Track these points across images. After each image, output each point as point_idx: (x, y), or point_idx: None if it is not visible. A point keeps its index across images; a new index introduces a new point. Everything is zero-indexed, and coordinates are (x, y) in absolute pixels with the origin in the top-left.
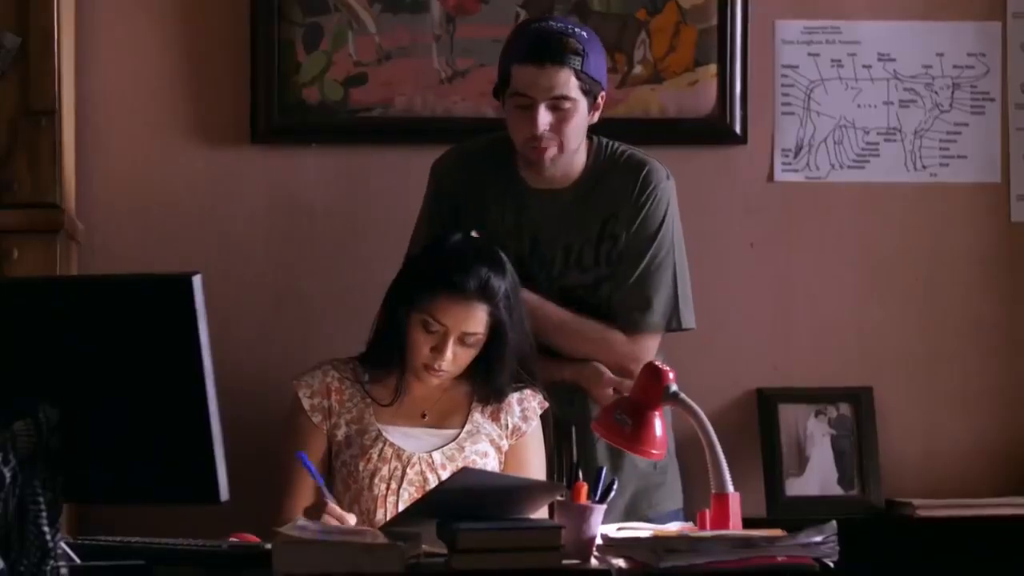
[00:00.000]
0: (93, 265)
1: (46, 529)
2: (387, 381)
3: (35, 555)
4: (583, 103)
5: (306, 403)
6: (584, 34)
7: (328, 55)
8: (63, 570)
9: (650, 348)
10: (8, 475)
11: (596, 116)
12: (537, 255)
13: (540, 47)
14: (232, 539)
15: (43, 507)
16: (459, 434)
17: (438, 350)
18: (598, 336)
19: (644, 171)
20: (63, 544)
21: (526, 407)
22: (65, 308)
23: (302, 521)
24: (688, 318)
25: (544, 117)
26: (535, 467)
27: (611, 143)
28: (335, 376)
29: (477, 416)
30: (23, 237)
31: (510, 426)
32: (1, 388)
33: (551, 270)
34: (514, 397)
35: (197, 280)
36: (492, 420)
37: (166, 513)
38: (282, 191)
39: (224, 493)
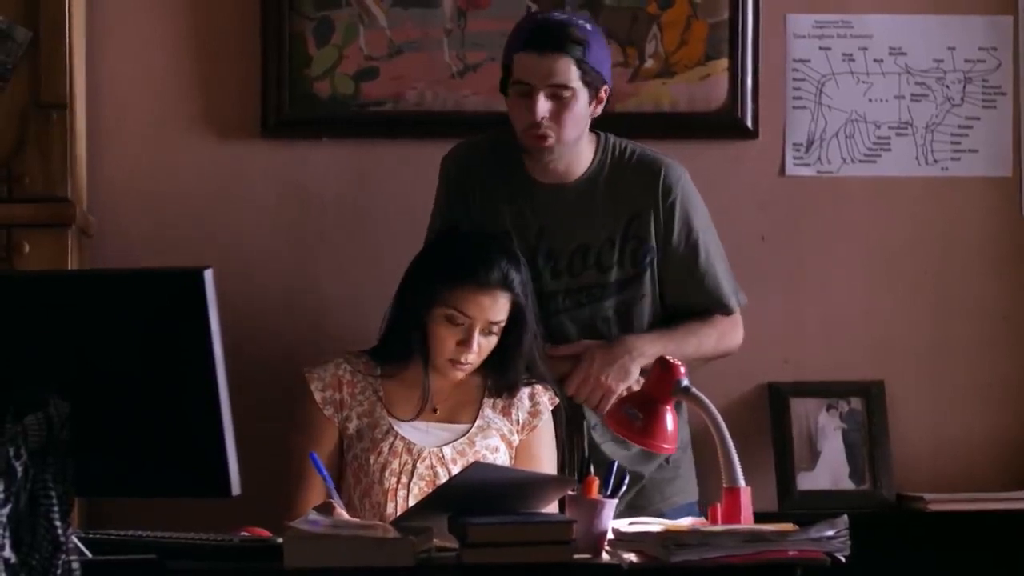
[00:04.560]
0: (104, 259)
1: (57, 523)
2: (400, 376)
3: (46, 549)
4: (584, 94)
5: (318, 396)
6: (588, 26)
7: (339, 49)
8: (74, 564)
9: (741, 325)
10: (19, 469)
11: (599, 110)
12: (543, 249)
13: (541, 34)
14: (243, 533)
15: (54, 501)
16: (470, 429)
17: (465, 343)
18: (715, 332)
19: (663, 172)
20: (74, 538)
21: (537, 402)
22: (76, 302)
23: (313, 515)
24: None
25: (543, 104)
26: (546, 462)
27: (618, 141)
28: (347, 369)
29: (488, 411)
30: (34, 231)
31: (521, 421)
32: (12, 382)
33: (557, 263)
34: (525, 392)
35: (208, 274)
36: (503, 415)
37: (177, 507)
38: (293, 185)
39: (236, 487)
